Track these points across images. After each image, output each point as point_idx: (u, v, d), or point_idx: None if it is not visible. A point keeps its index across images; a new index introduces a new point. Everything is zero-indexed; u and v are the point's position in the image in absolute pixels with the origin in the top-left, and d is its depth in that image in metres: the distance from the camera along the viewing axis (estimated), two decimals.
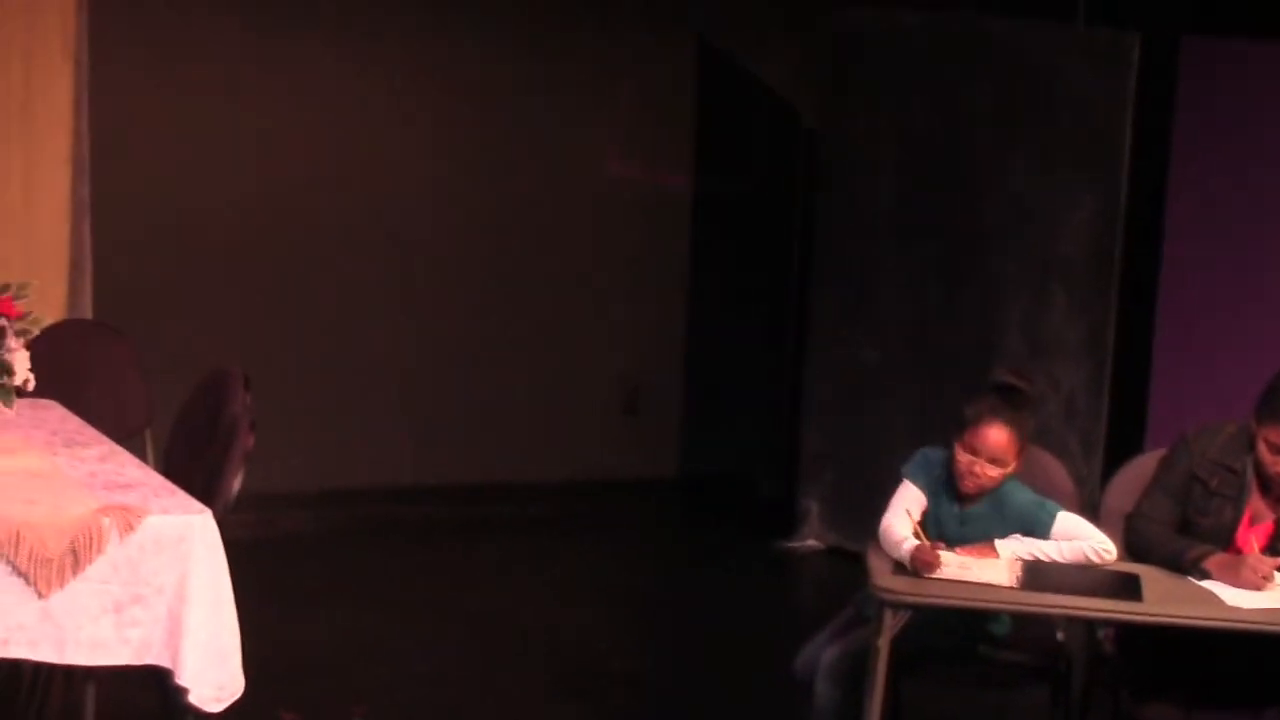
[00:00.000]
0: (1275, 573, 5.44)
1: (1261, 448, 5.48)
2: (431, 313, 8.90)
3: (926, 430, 6.75)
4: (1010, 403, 5.61)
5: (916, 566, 5.42)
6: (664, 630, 7.92)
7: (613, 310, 9.19)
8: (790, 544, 8.68)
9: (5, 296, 5.90)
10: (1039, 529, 5.61)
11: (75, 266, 7.83)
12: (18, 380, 5.81)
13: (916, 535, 5.50)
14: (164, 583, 5.34)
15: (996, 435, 5.55)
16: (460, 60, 8.78)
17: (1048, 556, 5.55)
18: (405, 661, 7.13)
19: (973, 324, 8.12)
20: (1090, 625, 5.70)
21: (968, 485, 5.58)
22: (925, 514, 5.61)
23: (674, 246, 9.31)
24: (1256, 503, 5.58)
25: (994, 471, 5.56)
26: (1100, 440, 7.77)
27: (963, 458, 5.56)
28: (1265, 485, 5.55)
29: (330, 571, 8.07)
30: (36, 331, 5.95)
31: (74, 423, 6.22)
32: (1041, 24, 7.94)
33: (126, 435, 6.36)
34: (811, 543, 8.67)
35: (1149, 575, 5.51)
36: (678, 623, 8.03)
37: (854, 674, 5.59)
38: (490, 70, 8.83)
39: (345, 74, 8.63)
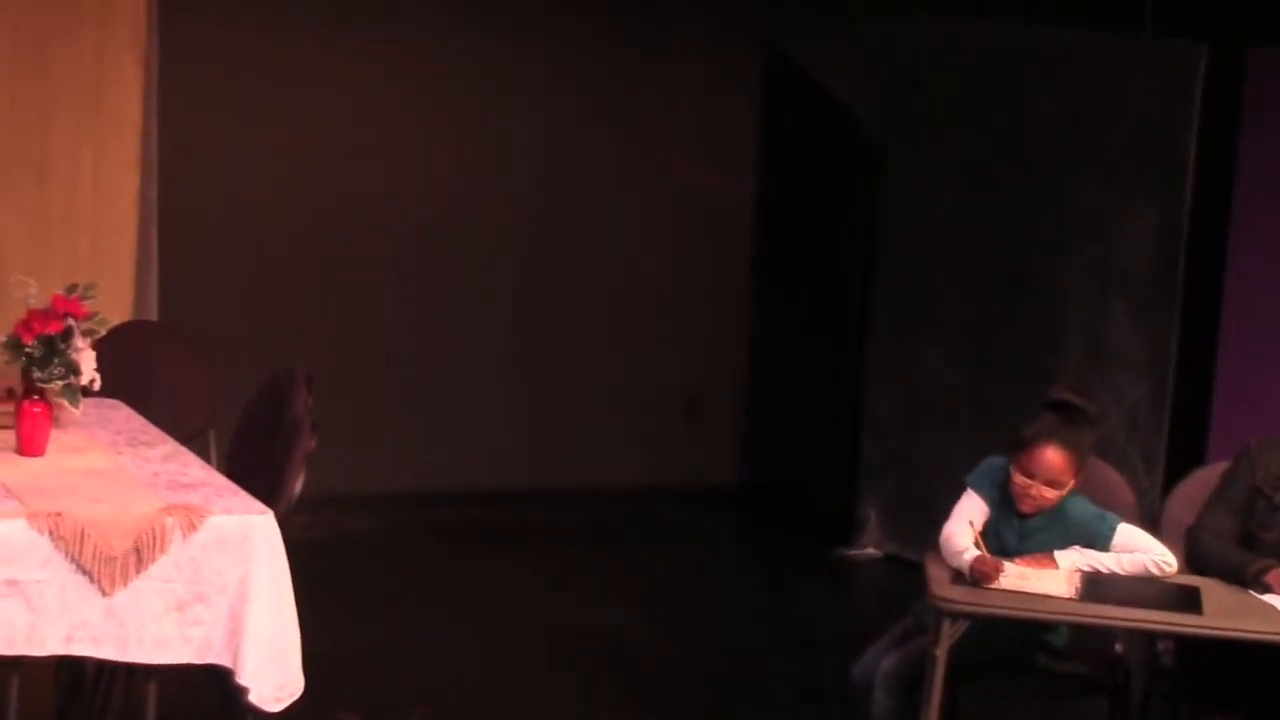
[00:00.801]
0: None
1: None
2: (495, 318, 8.93)
3: (986, 441, 6.71)
4: (1068, 421, 5.58)
5: (976, 576, 5.41)
6: (724, 635, 7.90)
7: (675, 318, 9.20)
8: (849, 551, 8.67)
9: (73, 297, 5.92)
10: (1099, 541, 5.59)
11: (142, 268, 7.87)
12: (84, 380, 5.82)
13: (977, 545, 5.49)
14: (226, 582, 5.37)
15: (1053, 458, 5.53)
16: (524, 67, 8.80)
17: (1107, 568, 5.54)
18: (465, 663, 7.14)
19: (1035, 335, 8.09)
20: (1150, 638, 5.67)
21: (1025, 506, 5.58)
22: (986, 524, 5.60)
23: (737, 254, 9.31)
24: None
25: (1050, 493, 5.54)
26: (1162, 452, 7.73)
27: (1019, 479, 5.55)
28: None
29: (391, 573, 8.09)
30: (103, 332, 5.96)
31: (139, 422, 6.26)
32: (1108, 36, 7.91)
33: (190, 435, 6.39)
34: (870, 550, 8.66)
35: (1209, 588, 5.48)
36: (738, 628, 8.01)
37: (911, 682, 5.58)
38: (555, 76, 8.86)
39: (410, 80, 8.66)
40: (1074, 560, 5.54)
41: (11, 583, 5.18)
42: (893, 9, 8.55)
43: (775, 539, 9.02)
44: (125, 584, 5.29)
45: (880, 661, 5.77)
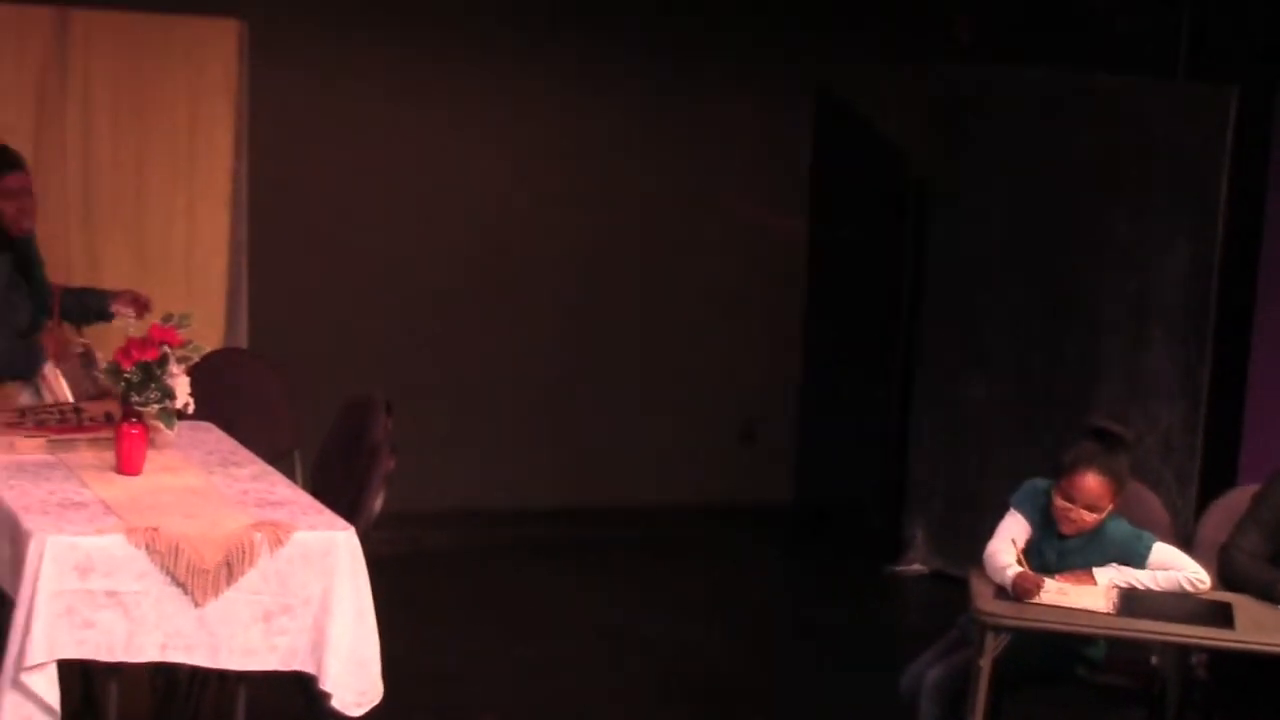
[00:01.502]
0: None
1: None
2: (564, 348, 8.93)
3: (1027, 464, 6.70)
4: (1107, 449, 5.56)
5: (1018, 592, 5.41)
6: (776, 646, 7.89)
7: (732, 346, 9.18)
8: (897, 568, 8.63)
9: (169, 326, 5.95)
10: (1135, 559, 5.58)
11: (232, 299, 7.90)
12: (178, 404, 5.85)
13: (1019, 562, 5.47)
14: (310, 594, 5.39)
15: (1092, 484, 5.52)
16: (590, 111, 8.80)
17: (1143, 585, 5.52)
18: (528, 672, 7.14)
19: (1074, 363, 8.05)
20: (1184, 651, 5.65)
21: (1066, 528, 5.57)
22: (1028, 542, 5.58)
23: (790, 286, 9.29)
24: None
25: (1090, 517, 5.53)
26: (1195, 474, 7.68)
27: (1060, 503, 5.54)
28: None
29: (465, 586, 8.10)
30: (196, 359, 5.99)
31: (229, 444, 6.29)
32: (1143, 80, 7.87)
33: (277, 456, 6.40)
34: (917, 567, 8.62)
35: (1241, 604, 5.46)
36: (790, 640, 8.01)
37: (956, 693, 5.57)
38: (617, 119, 8.86)
39: (477, 122, 8.67)
40: (1111, 577, 5.52)
41: (111, 594, 5.22)
42: (939, 56, 8.54)
43: (825, 556, 9.00)
44: (216, 595, 5.31)
45: (927, 672, 5.76)
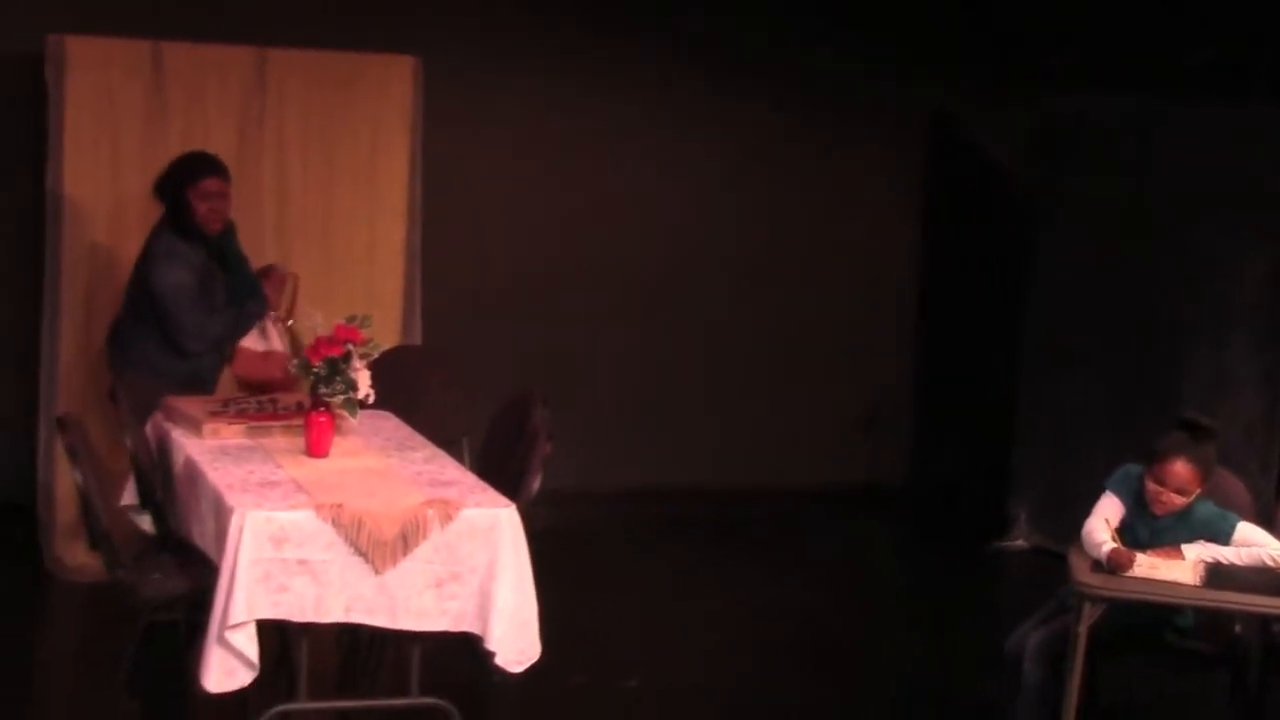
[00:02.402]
0: None
1: None
2: (702, 345, 8.95)
3: (1123, 452, 6.63)
4: (1195, 439, 5.52)
5: (1113, 565, 5.38)
6: (894, 615, 7.86)
7: (856, 343, 9.16)
8: (1002, 544, 8.59)
9: (352, 326, 6.02)
10: (1221, 536, 5.52)
11: (408, 302, 7.94)
12: (360, 395, 5.90)
13: (1114, 539, 5.44)
14: (476, 564, 5.41)
15: (1181, 469, 5.48)
16: (727, 134, 8.83)
17: (1228, 560, 5.46)
18: (671, 639, 7.15)
19: (1164, 363, 7.96)
20: (1265, 620, 5.59)
21: (1157, 509, 5.53)
22: (1122, 521, 5.55)
23: (908, 290, 9.26)
24: None
25: (1179, 499, 5.49)
26: (1275, 461, 7.57)
27: (1152, 486, 5.51)
28: None
29: (612, 559, 8.12)
30: (376, 355, 6.05)
31: (405, 431, 6.33)
32: (1220, 105, 7.78)
33: (447, 442, 6.42)
34: (1020, 543, 8.58)
35: None
36: (907, 610, 7.97)
37: (1056, 655, 5.54)
38: (751, 138, 8.87)
39: (631, 144, 8.71)
40: (1199, 552, 5.47)
41: (302, 562, 5.28)
42: (1041, 86, 8.48)
43: (937, 534, 8.95)
44: (394, 564, 5.36)
45: (1029, 637, 5.73)
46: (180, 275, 6.65)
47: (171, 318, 6.65)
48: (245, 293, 6.89)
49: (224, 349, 6.89)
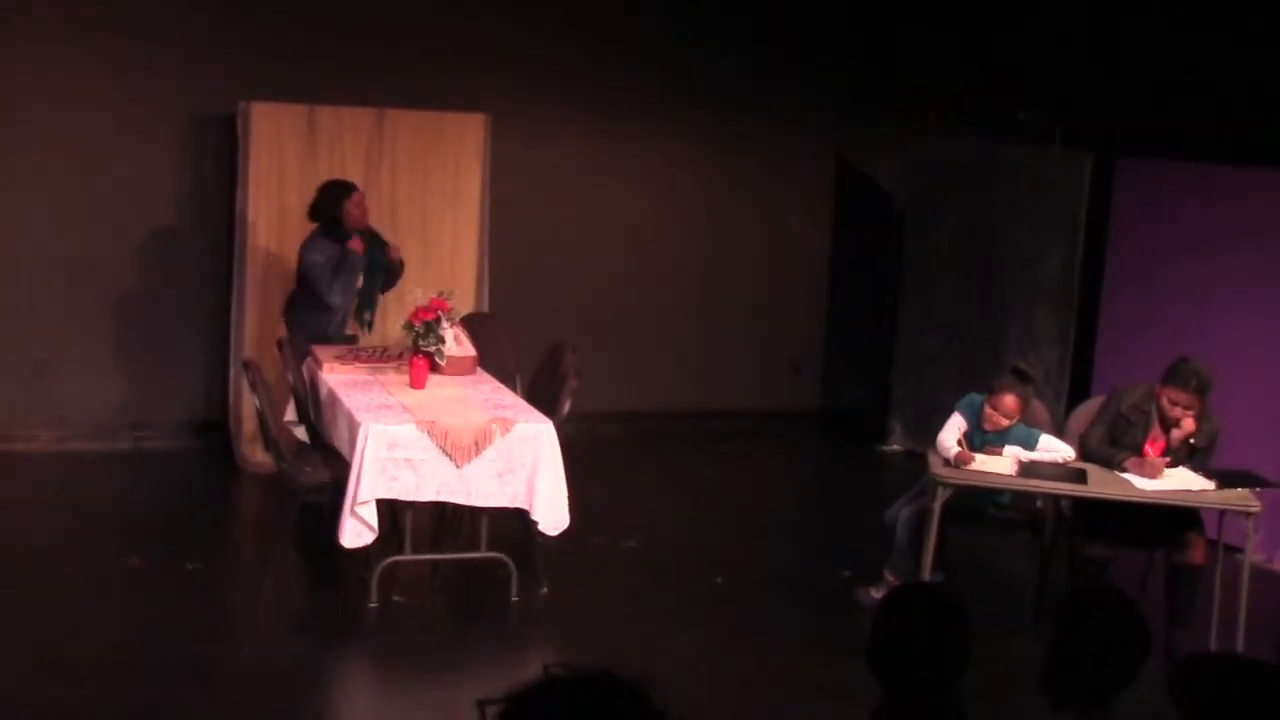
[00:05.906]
0: (1164, 470, 5.34)
1: (1162, 400, 5.36)
2: (681, 313, 8.84)
3: (964, 385, 6.60)
4: (1021, 380, 5.53)
5: (958, 462, 5.39)
6: (812, 497, 7.79)
7: (788, 311, 8.98)
8: (884, 448, 8.56)
9: (441, 298, 6.03)
10: (1030, 442, 5.52)
11: (479, 282, 7.91)
12: (447, 347, 5.93)
13: (959, 444, 5.43)
14: (526, 462, 5.45)
15: (1009, 400, 5.49)
16: (699, 163, 8.63)
17: (1032, 459, 5.45)
18: (658, 513, 7.07)
19: (993, 324, 7.92)
20: (1057, 498, 5.59)
21: (988, 427, 5.53)
22: (965, 433, 5.54)
23: (821, 273, 9.12)
24: (1155, 430, 5.48)
25: (1005, 422, 5.53)
26: (1064, 392, 7.53)
27: (988, 410, 5.55)
28: (1162, 421, 5.44)
29: (625, 461, 8.00)
30: (458, 319, 6.08)
31: (477, 372, 6.32)
32: (1035, 149, 7.70)
33: (507, 378, 6.42)
34: (896, 447, 8.54)
35: (1092, 470, 5.45)
36: (821, 494, 7.90)
37: (920, 524, 5.53)
38: (716, 170, 8.69)
39: (644, 169, 8.54)
40: (1015, 453, 5.47)
41: (407, 460, 5.32)
42: (914, 134, 8.41)
43: (839, 441, 8.78)
44: (469, 461, 5.39)
45: (901, 511, 5.73)
46: (319, 258, 6.60)
47: (314, 284, 6.61)
48: (384, 269, 6.78)
49: (363, 316, 6.79)
